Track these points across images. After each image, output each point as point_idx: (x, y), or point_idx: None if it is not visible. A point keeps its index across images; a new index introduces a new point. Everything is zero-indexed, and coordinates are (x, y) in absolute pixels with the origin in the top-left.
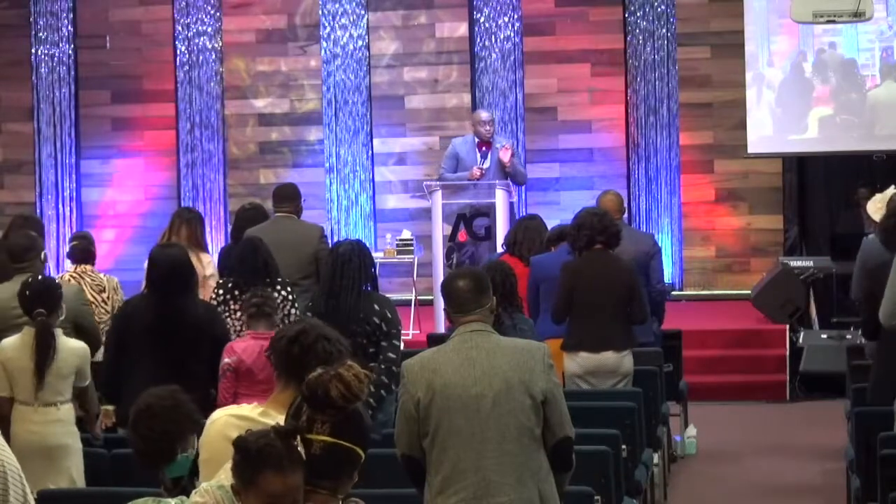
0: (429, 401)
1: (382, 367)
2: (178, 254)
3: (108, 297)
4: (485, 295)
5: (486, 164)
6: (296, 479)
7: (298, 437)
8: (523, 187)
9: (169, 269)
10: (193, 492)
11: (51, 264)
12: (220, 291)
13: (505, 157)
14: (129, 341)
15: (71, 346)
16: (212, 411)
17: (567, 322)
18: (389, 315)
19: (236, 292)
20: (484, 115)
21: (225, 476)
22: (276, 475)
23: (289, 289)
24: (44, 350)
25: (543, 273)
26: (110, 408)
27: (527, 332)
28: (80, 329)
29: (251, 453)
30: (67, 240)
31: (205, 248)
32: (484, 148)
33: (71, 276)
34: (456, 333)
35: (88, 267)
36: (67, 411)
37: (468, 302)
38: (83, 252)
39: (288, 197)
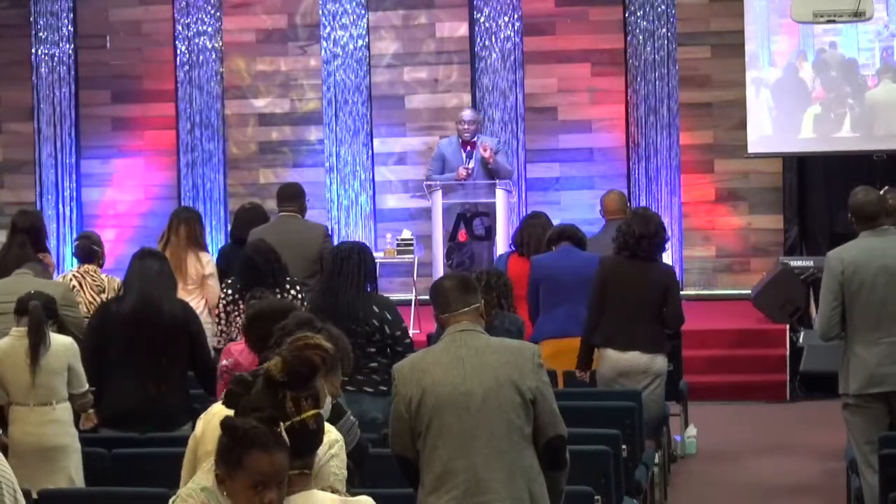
0: (419, 401)
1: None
2: (158, 264)
3: (107, 298)
4: (471, 295)
5: (471, 164)
6: (282, 458)
7: (291, 423)
8: (523, 187)
9: (145, 274)
10: (173, 498)
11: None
12: (230, 291)
13: (485, 153)
14: (107, 343)
15: (60, 341)
16: (195, 416)
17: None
18: (390, 317)
19: (245, 293)
20: (466, 114)
21: (203, 477)
22: (264, 454)
23: (297, 288)
24: (37, 337)
25: (543, 273)
26: (90, 410)
27: (513, 332)
28: (61, 328)
29: (238, 434)
30: (67, 240)
31: (204, 248)
32: (469, 148)
33: (73, 275)
34: (445, 334)
35: (91, 267)
36: (63, 411)
37: (454, 301)
38: (85, 252)
39: (292, 196)
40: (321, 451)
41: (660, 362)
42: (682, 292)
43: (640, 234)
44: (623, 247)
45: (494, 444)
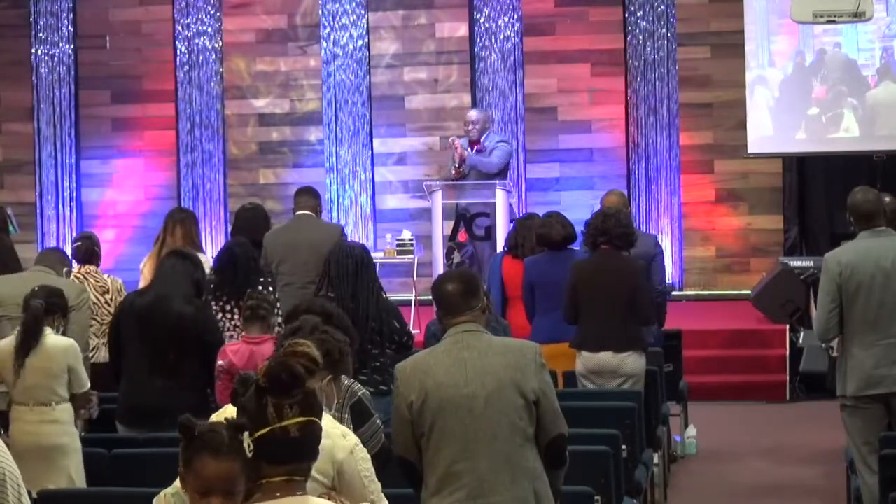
0: (421, 402)
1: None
2: (172, 262)
3: (111, 299)
4: (474, 297)
5: (465, 160)
6: (230, 467)
7: (271, 429)
8: (523, 187)
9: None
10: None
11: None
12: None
13: (456, 149)
14: (123, 339)
15: (59, 344)
16: (209, 414)
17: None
18: (397, 325)
19: (219, 294)
20: (470, 114)
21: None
22: (211, 459)
23: (270, 289)
24: (28, 335)
25: (537, 276)
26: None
27: (499, 332)
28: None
29: (193, 435)
30: (68, 240)
31: (200, 248)
32: (475, 147)
33: (75, 276)
34: (448, 335)
35: (93, 268)
36: (63, 411)
37: (457, 305)
38: (86, 253)
39: (308, 197)
40: (341, 456)
41: (631, 362)
42: (682, 292)
43: (602, 218)
44: (588, 237)
45: (498, 447)
